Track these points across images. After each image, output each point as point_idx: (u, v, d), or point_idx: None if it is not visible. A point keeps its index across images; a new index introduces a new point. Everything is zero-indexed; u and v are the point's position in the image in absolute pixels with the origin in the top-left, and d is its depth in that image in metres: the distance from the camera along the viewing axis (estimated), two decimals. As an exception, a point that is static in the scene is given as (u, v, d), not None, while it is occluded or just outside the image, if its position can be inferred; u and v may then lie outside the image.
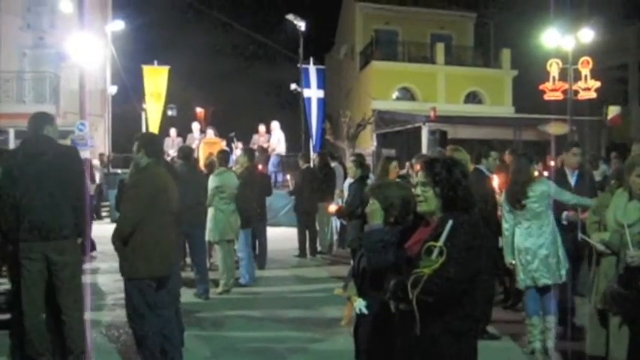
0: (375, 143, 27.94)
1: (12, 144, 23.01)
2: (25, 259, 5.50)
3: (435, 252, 3.07)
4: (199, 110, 27.08)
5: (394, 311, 3.30)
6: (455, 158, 3.47)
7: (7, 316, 6.89)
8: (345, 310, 4.13)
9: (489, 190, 7.40)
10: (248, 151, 11.62)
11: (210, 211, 9.42)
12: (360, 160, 9.37)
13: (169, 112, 26.81)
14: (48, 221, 5.46)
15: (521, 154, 7.24)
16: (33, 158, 5.54)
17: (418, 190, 3.37)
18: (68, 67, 22.79)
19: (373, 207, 3.89)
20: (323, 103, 24.41)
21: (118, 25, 25.39)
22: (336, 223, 13.82)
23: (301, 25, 21.67)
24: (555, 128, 22.13)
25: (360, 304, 3.78)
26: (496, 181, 8.07)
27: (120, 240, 5.54)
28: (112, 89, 27.88)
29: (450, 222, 3.13)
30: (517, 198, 6.43)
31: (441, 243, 3.08)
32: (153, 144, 5.85)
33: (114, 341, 6.95)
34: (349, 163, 10.30)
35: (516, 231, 6.50)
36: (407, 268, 3.24)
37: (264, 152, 19.18)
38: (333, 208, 10.08)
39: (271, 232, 12.40)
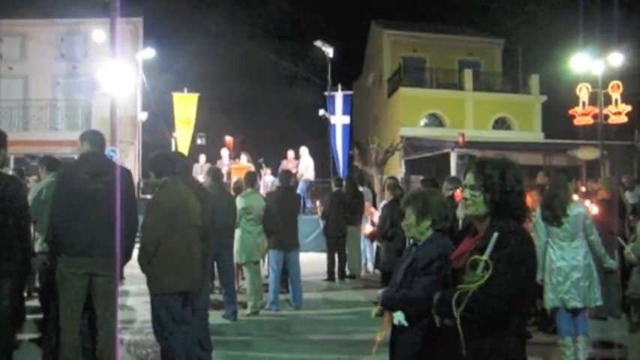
0: (403, 169, 27.88)
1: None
2: (71, 274, 5.56)
3: (481, 266, 2.87)
4: (228, 138, 27.27)
5: (439, 325, 3.10)
6: (508, 160, 3.19)
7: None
8: (380, 328, 4.06)
9: None
10: (282, 173, 11.57)
11: (238, 233, 9.46)
12: (393, 184, 9.52)
13: (199, 141, 27.01)
14: (100, 239, 5.51)
15: (560, 170, 7.15)
16: (95, 177, 5.62)
17: (467, 194, 3.14)
18: (100, 95, 23.18)
19: (409, 220, 3.93)
20: (349, 129, 24.47)
21: (149, 52, 25.75)
22: (365, 246, 13.77)
23: (329, 51, 21.83)
24: (585, 153, 21.91)
25: (399, 316, 3.74)
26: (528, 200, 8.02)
27: (145, 258, 5.61)
28: (143, 115, 28.24)
29: (496, 235, 2.91)
30: (556, 214, 6.32)
31: (486, 257, 2.87)
32: (159, 164, 5.89)
33: (142, 360, 6.97)
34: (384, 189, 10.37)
35: (548, 249, 6.41)
36: (452, 280, 3.09)
37: (293, 177, 19.23)
38: (368, 230, 10.11)
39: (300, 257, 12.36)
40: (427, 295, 3.61)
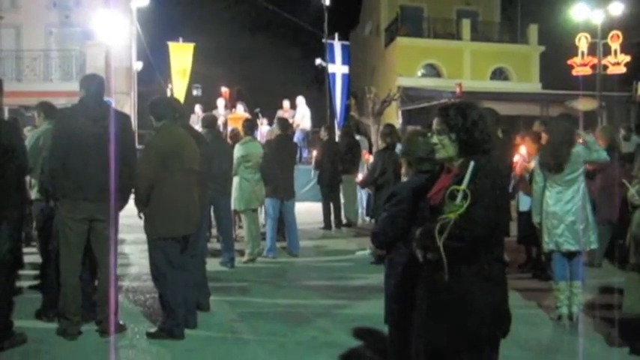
0: (400, 120, 27.79)
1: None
2: (70, 219, 5.58)
3: (459, 196, 2.99)
4: (224, 89, 27.04)
5: (421, 261, 3.21)
6: (470, 102, 3.36)
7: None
8: None
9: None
10: (281, 120, 11.53)
11: (236, 180, 9.46)
12: (388, 131, 9.49)
13: (194, 92, 26.74)
14: (98, 184, 5.51)
15: (565, 115, 7.00)
16: (94, 121, 5.59)
17: (435, 139, 3.29)
18: (94, 45, 22.92)
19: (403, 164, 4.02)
20: (348, 79, 24.27)
21: (143, 0, 25.28)
22: (361, 195, 13.78)
23: (326, -1, 21.55)
24: (584, 104, 21.82)
25: (364, 251, 3.89)
26: (523, 148, 8.04)
27: (141, 201, 5.62)
28: (138, 65, 27.92)
29: (472, 163, 3.06)
30: (558, 162, 6.24)
31: (464, 186, 3.00)
32: (159, 107, 5.90)
33: (140, 305, 7.03)
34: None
35: (546, 193, 6.40)
36: (431, 217, 3.17)
37: (289, 127, 19.13)
38: (360, 177, 10.17)
39: (296, 206, 12.39)
40: (382, 228, 3.94)
